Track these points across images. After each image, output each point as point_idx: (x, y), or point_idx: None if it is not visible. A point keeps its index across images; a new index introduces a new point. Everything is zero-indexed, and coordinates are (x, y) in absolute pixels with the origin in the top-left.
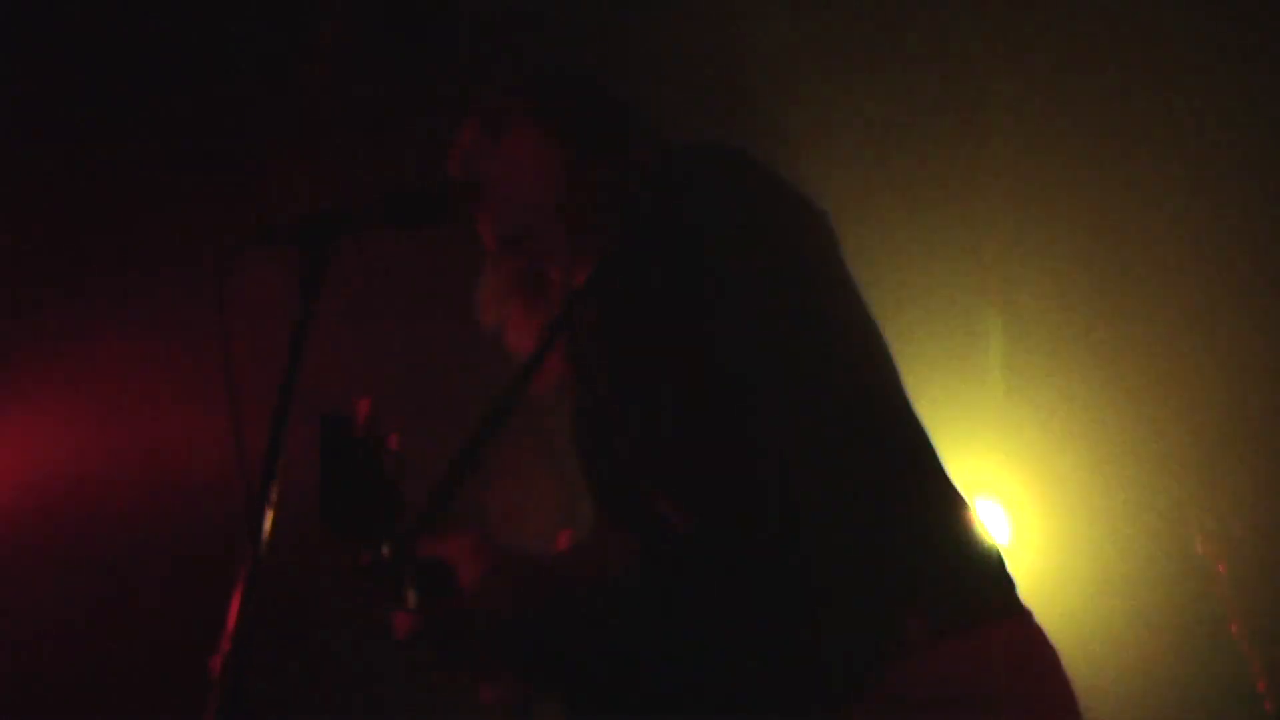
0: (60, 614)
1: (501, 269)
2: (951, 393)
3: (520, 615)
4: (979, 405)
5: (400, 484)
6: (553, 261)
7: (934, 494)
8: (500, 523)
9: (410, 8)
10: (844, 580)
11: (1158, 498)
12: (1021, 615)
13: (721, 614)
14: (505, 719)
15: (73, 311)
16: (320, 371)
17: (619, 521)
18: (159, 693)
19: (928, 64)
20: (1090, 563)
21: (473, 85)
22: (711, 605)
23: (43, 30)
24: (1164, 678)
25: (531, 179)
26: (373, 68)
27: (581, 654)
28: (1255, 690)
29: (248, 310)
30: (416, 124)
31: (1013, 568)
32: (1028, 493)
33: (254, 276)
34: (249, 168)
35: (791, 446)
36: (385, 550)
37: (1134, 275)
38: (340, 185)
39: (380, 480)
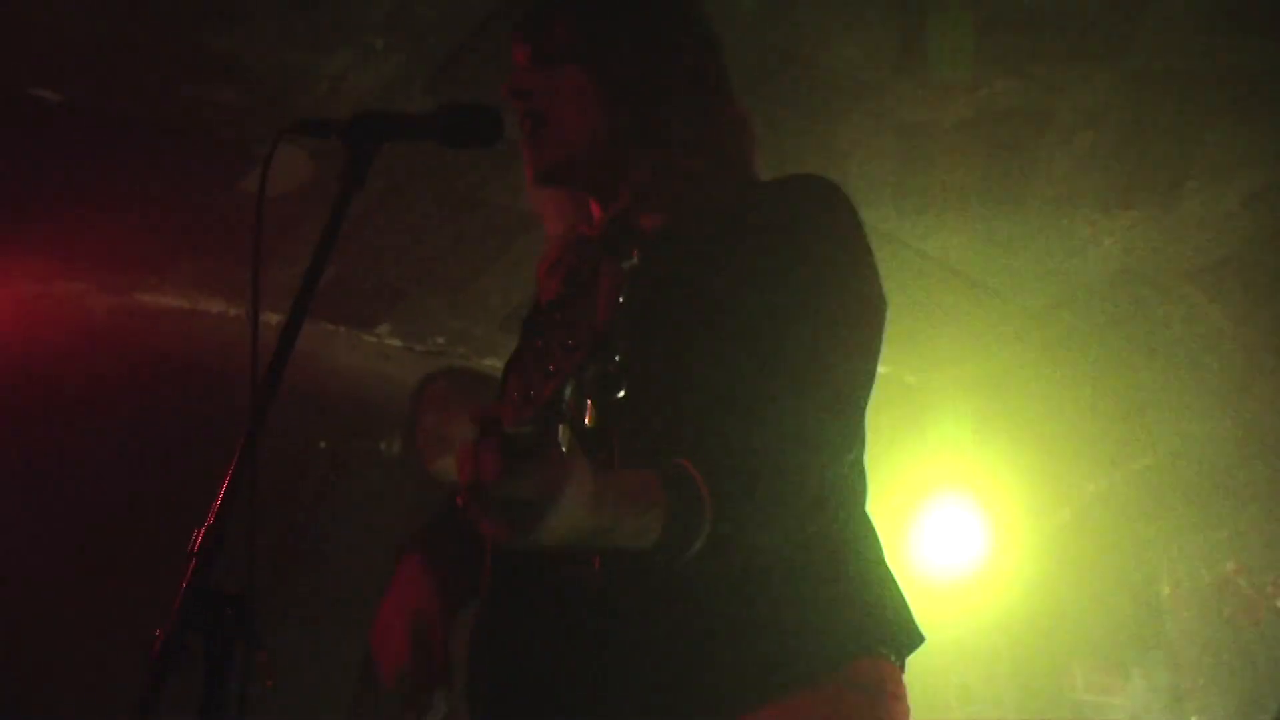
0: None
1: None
2: (934, 384)
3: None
4: (959, 401)
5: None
6: (591, 197)
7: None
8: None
9: None
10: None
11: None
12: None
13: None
14: None
15: (101, 169)
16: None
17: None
18: (140, 553)
19: None
20: (1067, 563)
21: None
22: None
23: None
24: (1120, 707)
25: (574, 114)
26: None
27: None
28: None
29: (275, 200)
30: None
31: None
32: (1006, 491)
33: (289, 168)
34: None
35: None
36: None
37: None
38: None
39: None
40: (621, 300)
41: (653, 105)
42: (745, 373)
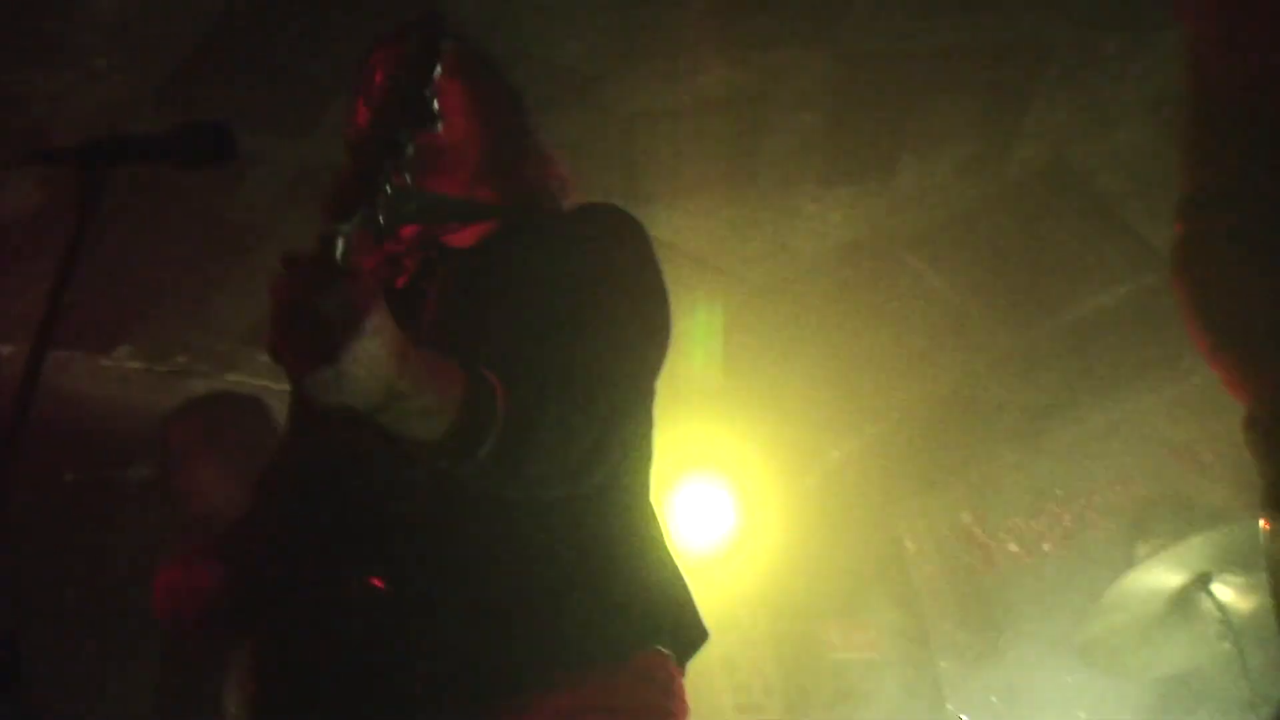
0: None
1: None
2: (677, 366)
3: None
4: (703, 381)
5: None
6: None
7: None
8: None
9: None
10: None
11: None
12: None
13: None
14: None
15: None
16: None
17: None
18: None
19: None
20: (816, 528)
21: None
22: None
23: None
24: (875, 660)
25: (462, 120)
26: None
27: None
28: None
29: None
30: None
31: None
32: (754, 463)
33: (20, 197)
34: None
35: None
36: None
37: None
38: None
39: None
40: None
41: (505, 132)
42: (544, 325)
